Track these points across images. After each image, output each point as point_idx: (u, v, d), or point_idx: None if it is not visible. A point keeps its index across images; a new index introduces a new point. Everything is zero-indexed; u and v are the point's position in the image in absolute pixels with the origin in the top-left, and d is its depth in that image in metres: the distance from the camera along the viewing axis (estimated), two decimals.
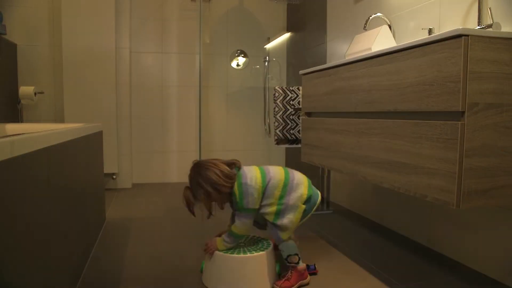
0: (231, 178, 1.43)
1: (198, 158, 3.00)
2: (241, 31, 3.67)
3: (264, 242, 1.57)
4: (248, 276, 1.42)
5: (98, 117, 3.02)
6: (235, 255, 1.42)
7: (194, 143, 3.58)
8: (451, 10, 1.69)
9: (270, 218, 1.44)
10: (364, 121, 1.57)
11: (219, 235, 1.51)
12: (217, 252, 1.45)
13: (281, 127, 2.62)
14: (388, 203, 2.19)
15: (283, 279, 1.45)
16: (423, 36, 1.86)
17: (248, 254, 1.43)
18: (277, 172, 1.48)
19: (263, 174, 1.46)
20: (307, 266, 1.53)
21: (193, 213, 1.45)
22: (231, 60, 3.69)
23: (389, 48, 1.40)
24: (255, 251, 1.46)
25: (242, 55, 3.70)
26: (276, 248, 1.53)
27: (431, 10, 1.81)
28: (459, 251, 1.70)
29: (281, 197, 1.43)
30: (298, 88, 2.65)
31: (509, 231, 1.46)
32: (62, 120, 3.11)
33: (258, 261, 1.43)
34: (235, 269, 1.42)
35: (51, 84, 3.17)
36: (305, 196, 1.45)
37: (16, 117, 2.96)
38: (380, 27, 1.91)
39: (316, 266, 1.58)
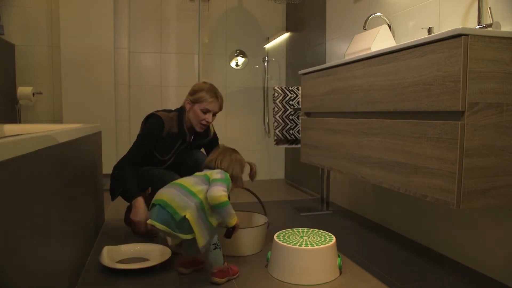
0: None
1: None
2: (240, 31, 3.67)
3: (327, 236, 1.63)
4: (311, 267, 1.50)
5: (97, 117, 3.01)
6: (301, 247, 1.51)
7: None
8: (451, 10, 1.69)
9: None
10: (364, 121, 1.57)
11: None
12: (283, 244, 1.54)
13: (280, 127, 2.62)
14: (388, 203, 2.19)
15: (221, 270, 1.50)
16: (422, 36, 1.86)
17: (315, 247, 1.52)
18: None
19: None
20: None
21: None
22: (230, 60, 3.69)
23: (389, 48, 1.40)
24: (319, 244, 1.55)
25: (241, 55, 3.70)
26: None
27: (431, 10, 1.81)
28: (459, 251, 1.70)
29: None
30: (297, 88, 2.65)
31: (509, 231, 1.46)
32: (60, 121, 3.10)
33: (320, 253, 1.52)
34: (300, 260, 1.51)
35: (49, 85, 3.16)
36: None
37: (14, 118, 2.95)
38: (380, 26, 1.91)
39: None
